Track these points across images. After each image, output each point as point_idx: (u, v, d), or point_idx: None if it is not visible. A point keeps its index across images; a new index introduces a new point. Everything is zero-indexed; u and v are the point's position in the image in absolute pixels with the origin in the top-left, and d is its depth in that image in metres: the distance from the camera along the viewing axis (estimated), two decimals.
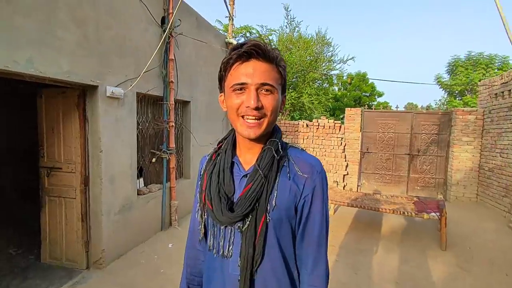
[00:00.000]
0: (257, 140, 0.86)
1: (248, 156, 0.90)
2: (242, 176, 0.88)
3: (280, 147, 0.87)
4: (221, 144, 0.98)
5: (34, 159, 3.36)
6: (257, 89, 0.79)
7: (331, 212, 5.36)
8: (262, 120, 0.82)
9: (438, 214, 3.93)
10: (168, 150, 4.15)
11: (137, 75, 3.42)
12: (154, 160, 4.03)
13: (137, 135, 3.65)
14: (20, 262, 3.23)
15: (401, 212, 4.11)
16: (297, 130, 7.59)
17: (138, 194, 3.66)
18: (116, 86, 3.14)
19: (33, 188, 3.59)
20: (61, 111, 3.02)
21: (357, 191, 7.02)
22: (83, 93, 2.96)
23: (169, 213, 4.23)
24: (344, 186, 7.27)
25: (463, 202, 6.33)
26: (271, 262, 0.84)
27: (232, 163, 0.91)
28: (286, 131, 7.68)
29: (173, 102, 4.15)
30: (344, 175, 7.28)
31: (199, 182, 0.98)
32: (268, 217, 0.83)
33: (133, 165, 3.51)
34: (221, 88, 0.89)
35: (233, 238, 0.86)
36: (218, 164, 0.92)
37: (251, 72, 0.79)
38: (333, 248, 3.88)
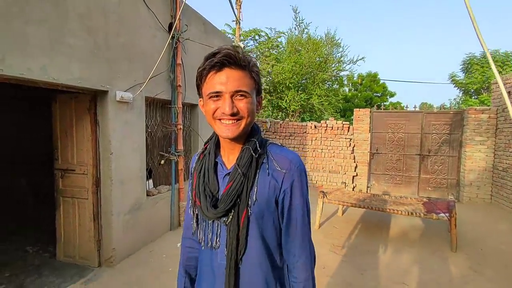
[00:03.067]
0: (236, 140, 0.92)
1: (230, 156, 0.97)
2: (225, 175, 0.94)
3: (258, 146, 0.93)
4: (207, 144, 1.05)
5: (50, 163, 3.52)
6: (231, 96, 0.85)
7: (339, 213, 5.34)
8: (239, 121, 0.87)
9: (447, 214, 3.86)
10: (177, 152, 4.25)
11: (146, 80, 3.54)
12: (162, 162, 4.14)
13: (146, 137, 3.76)
14: (35, 260, 3.38)
15: (409, 213, 4.06)
16: (305, 132, 7.60)
17: (147, 195, 3.77)
18: (125, 91, 3.26)
19: (50, 190, 3.75)
20: (74, 115, 3.16)
21: (367, 192, 6.96)
22: (94, 98, 3.10)
23: (177, 214, 4.33)
24: (354, 187, 7.22)
25: (477, 203, 6.18)
26: (254, 251, 0.91)
27: (216, 163, 0.98)
28: (294, 133, 7.70)
29: (181, 106, 4.25)
30: (353, 176, 7.22)
31: (191, 180, 1.05)
32: (249, 211, 0.89)
33: (142, 167, 3.63)
34: (200, 94, 0.95)
35: (219, 231, 0.94)
36: (204, 165, 0.99)
37: (224, 80, 0.83)
38: (340, 248, 3.88)
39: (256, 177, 0.90)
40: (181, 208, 4.34)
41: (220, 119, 0.88)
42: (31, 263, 3.30)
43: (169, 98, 4.11)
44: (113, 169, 3.16)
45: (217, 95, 0.86)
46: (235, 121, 0.87)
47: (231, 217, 0.90)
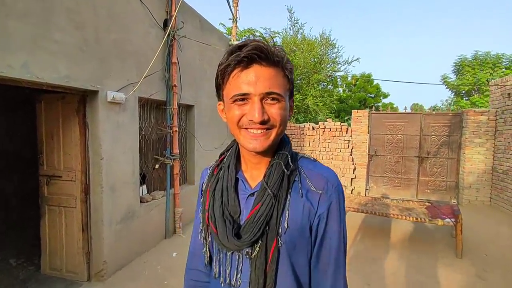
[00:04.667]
0: (264, 153, 0.75)
1: (254, 172, 0.79)
2: (249, 195, 0.77)
3: (290, 160, 0.75)
4: (223, 156, 0.86)
5: (37, 166, 3.27)
6: (261, 99, 0.68)
7: None
8: (270, 131, 0.71)
9: (453, 220, 3.75)
10: (172, 155, 4.03)
11: (139, 79, 3.31)
12: (157, 166, 3.92)
13: (140, 140, 3.54)
14: (19, 273, 3.12)
15: (414, 218, 3.93)
16: (303, 133, 7.45)
17: (141, 202, 3.54)
18: (117, 91, 3.04)
19: (36, 195, 3.50)
20: (61, 117, 2.92)
21: (365, 195, 6.85)
22: (83, 98, 2.86)
23: (173, 221, 4.11)
24: (352, 190, 7.10)
25: (476, 205, 6.12)
26: None
27: (237, 180, 0.79)
28: (291, 134, 7.54)
29: (177, 107, 4.04)
30: (351, 179, 7.11)
31: (201, 199, 0.86)
32: (280, 241, 0.72)
33: (136, 172, 3.40)
34: (220, 96, 0.77)
35: (241, 265, 0.75)
36: (221, 181, 0.80)
37: (253, 80, 0.67)
38: None
39: (288, 199, 0.73)
40: (176, 214, 4.12)
41: (246, 128, 0.70)
42: (15, 277, 3.05)
43: (164, 99, 3.89)
44: (104, 175, 2.93)
45: (244, 98, 0.68)
46: (265, 130, 0.69)
47: (257, 249, 0.71)
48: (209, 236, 0.81)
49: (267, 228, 0.71)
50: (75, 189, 2.93)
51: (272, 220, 0.71)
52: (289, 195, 0.73)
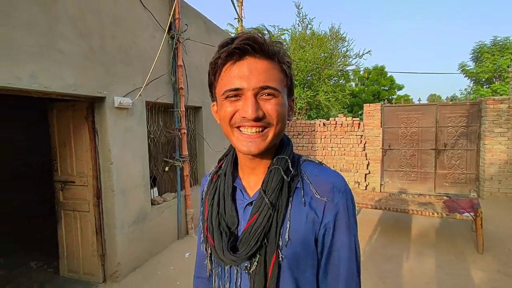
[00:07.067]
0: (261, 156, 0.70)
1: (252, 179, 0.74)
2: (247, 204, 0.72)
3: (290, 165, 0.70)
4: (221, 162, 0.83)
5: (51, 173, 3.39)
6: (255, 95, 0.63)
7: None
8: (266, 130, 0.65)
9: (472, 214, 3.59)
10: (181, 157, 4.07)
11: (145, 84, 3.36)
12: (167, 168, 3.96)
13: (149, 144, 3.59)
14: (39, 276, 3.24)
15: (431, 213, 3.80)
16: (314, 130, 7.36)
17: (152, 204, 3.60)
18: (124, 96, 3.09)
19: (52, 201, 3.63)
20: (72, 124, 3.01)
21: (380, 190, 6.69)
22: (91, 105, 2.93)
23: (185, 222, 4.15)
24: (366, 185, 6.95)
25: (499, 198, 5.85)
26: None
27: (234, 188, 0.75)
28: (302, 131, 7.46)
29: (184, 109, 4.07)
30: (365, 174, 6.96)
31: (202, 208, 0.83)
32: (280, 255, 0.67)
33: (146, 175, 3.46)
34: (213, 96, 0.73)
35: (240, 280, 0.72)
36: (219, 189, 0.76)
37: (246, 73, 0.62)
38: None
39: (289, 209, 0.68)
40: (188, 215, 4.16)
41: (239, 127, 0.65)
42: (35, 280, 3.16)
43: (171, 102, 3.93)
44: (115, 179, 2.99)
45: (236, 93, 0.64)
46: (260, 129, 0.65)
47: (255, 264, 0.67)
48: (209, 248, 0.78)
49: (265, 240, 0.67)
50: (87, 194, 3.01)
51: (271, 232, 0.66)
52: (290, 204, 0.68)
